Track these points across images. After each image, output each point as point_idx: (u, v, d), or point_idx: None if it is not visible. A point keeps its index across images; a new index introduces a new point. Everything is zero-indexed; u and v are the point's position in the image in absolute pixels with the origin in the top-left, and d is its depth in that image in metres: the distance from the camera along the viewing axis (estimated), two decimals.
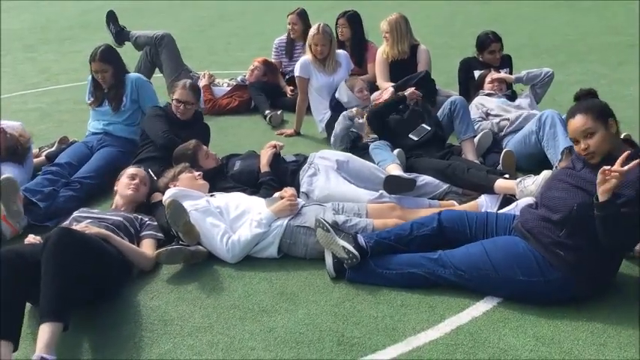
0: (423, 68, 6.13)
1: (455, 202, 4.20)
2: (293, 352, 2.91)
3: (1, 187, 3.92)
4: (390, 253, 3.44)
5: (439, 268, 3.28)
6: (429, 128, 4.87)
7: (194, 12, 15.36)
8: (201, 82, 6.74)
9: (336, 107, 5.60)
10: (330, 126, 5.72)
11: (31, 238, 3.40)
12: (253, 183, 4.42)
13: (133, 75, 5.30)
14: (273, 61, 7.17)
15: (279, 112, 6.38)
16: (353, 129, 5.28)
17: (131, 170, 4.13)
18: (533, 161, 4.64)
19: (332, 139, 5.34)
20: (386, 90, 5.43)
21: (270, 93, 6.80)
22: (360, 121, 5.28)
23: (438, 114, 5.07)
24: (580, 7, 12.97)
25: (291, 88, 6.91)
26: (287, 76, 7.13)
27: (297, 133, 6.04)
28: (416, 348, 2.90)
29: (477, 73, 5.69)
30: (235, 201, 3.96)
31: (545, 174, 3.85)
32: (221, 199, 3.98)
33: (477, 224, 3.47)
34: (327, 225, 3.41)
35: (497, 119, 5.12)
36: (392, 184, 4.14)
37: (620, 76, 7.46)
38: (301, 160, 4.60)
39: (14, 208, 3.99)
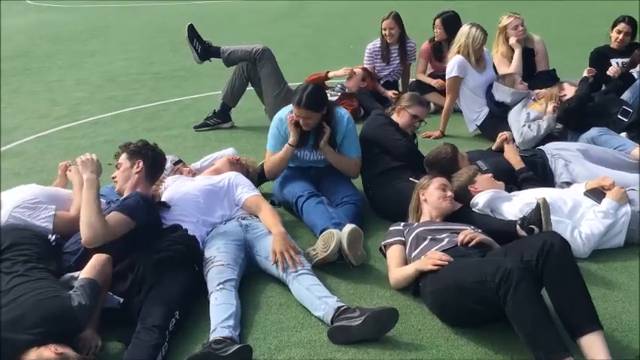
0: (543, 58, 6.35)
1: None
2: None
3: (349, 239, 3.64)
4: None
5: None
6: (631, 110, 5.05)
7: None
8: None
9: (500, 106, 5.62)
10: (485, 124, 5.73)
11: None
12: (511, 180, 4.35)
13: (343, 114, 4.50)
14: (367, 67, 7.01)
15: None
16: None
17: (440, 180, 3.87)
18: None
19: (522, 137, 5.22)
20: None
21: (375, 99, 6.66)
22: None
23: (625, 98, 5.26)
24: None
25: (394, 92, 6.83)
26: (382, 81, 7.02)
27: (443, 134, 5.97)
28: None
29: (614, 62, 5.92)
30: (556, 195, 3.89)
31: None
32: (539, 194, 3.87)
33: None
34: None
35: None
36: None
37: None
38: (538, 155, 4.61)
39: (359, 253, 3.76)
